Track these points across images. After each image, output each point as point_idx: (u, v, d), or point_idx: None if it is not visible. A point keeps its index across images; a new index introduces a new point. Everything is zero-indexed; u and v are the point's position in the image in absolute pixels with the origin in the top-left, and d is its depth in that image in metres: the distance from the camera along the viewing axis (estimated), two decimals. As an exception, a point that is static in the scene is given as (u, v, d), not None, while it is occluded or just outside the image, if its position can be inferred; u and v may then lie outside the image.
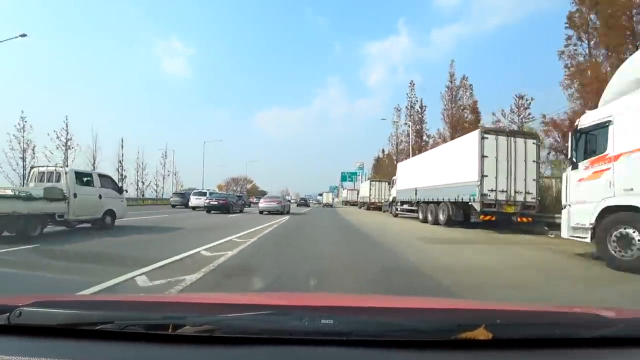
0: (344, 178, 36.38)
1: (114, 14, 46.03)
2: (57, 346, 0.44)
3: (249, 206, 15.50)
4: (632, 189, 1.28)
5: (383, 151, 27.43)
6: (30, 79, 30.86)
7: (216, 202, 10.21)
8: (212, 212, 9.87)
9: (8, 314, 0.47)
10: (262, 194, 48.32)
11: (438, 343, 0.45)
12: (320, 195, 45.35)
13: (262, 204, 10.42)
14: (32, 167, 4.50)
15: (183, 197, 13.81)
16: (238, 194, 18.04)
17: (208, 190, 13.36)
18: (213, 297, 0.93)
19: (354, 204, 24.06)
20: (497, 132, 5.21)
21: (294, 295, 1.16)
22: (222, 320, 0.46)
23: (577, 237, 1.77)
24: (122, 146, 17.61)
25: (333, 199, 32.12)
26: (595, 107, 1.77)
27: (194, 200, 11.86)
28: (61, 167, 4.06)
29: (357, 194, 24.94)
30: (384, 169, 23.98)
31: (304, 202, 25.96)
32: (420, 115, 16.73)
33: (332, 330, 0.45)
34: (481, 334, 0.43)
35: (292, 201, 39.87)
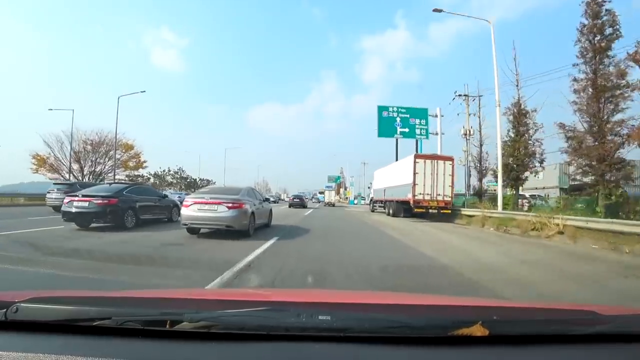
0: (385, 126, 28.40)
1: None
2: (55, 342, 1.02)
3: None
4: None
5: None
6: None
7: (86, 203, 10.31)
8: (77, 224, 10.21)
9: (5, 309, 1.07)
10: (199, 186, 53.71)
11: (434, 339, 1.03)
12: (322, 193, 65.18)
13: (189, 209, 9.41)
14: None
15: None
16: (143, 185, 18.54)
17: None
18: (210, 293, 1.68)
19: (444, 207, 19.19)
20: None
21: (291, 292, 2.09)
22: (220, 316, 1.07)
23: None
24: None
25: (334, 197, 51.72)
26: None
27: None
28: None
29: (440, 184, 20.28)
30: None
31: (299, 202, 35.51)
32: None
33: (329, 326, 1.04)
34: (477, 330, 1.01)
35: (285, 200, 49.96)
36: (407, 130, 28.30)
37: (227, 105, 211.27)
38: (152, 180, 55.13)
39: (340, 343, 1.03)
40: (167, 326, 1.04)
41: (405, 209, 20.29)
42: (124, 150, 43.74)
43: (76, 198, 10.67)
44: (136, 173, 48.21)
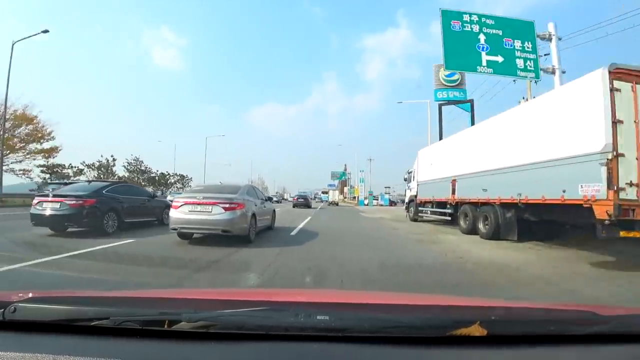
0: (458, 50, 20.01)
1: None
2: (53, 342, 1.37)
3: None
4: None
5: None
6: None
7: (57, 205, 12.08)
8: (51, 228, 11.83)
9: (2, 309, 1.42)
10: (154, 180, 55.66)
11: (433, 339, 1.40)
12: (325, 192, 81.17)
13: (179, 211, 11.14)
14: None
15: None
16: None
17: None
18: (209, 293, 2.20)
19: None
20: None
21: (289, 292, 2.81)
22: (218, 316, 1.42)
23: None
24: None
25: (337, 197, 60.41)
26: None
27: None
28: None
29: None
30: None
31: (303, 201, 46.63)
32: None
33: (328, 326, 1.41)
34: (476, 330, 1.38)
35: (289, 200, 65.45)
36: (499, 59, 19.71)
37: (227, 105, 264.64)
38: (92, 173, 50.39)
39: (339, 343, 1.36)
40: (166, 326, 1.38)
41: (539, 223, 12.11)
42: (17, 123, 38.68)
43: (47, 199, 11.96)
44: (56, 162, 45.80)
